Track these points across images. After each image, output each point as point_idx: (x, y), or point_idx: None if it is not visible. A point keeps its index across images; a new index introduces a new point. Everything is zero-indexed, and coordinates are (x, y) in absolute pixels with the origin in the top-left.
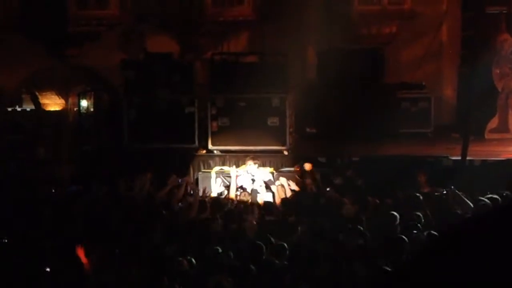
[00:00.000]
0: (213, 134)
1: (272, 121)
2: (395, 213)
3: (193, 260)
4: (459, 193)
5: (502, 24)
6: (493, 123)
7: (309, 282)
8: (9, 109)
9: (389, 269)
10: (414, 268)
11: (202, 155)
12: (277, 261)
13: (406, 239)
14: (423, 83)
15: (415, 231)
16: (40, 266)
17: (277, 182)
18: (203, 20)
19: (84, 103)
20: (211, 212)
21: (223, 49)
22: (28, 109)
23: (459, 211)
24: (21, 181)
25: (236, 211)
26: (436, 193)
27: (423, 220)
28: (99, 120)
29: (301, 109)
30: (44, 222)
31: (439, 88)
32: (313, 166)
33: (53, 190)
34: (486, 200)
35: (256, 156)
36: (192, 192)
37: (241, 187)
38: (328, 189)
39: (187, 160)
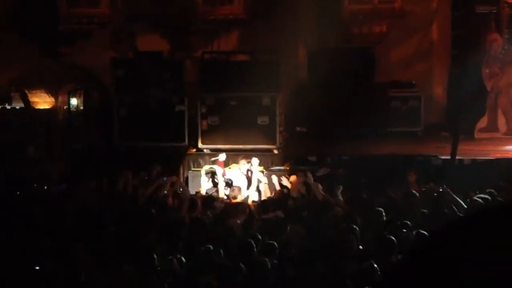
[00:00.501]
0: (203, 132)
1: (263, 120)
2: (380, 209)
3: (183, 258)
4: (451, 192)
5: (492, 23)
6: (483, 122)
7: (300, 281)
8: None
9: (379, 269)
10: (403, 267)
11: (192, 154)
12: (267, 260)
13: (394, 239)
14: (413, 82)
15: (404, 230)
16: (31, 264)
17: (264, 180)
18: (194, 19)
19: (74, 101)
20: (201, 210)
21: (213, 48)
22: (17, 107)
23: (450, 211)
24: (11, 180)
25: (225, 209)
26: (426, 192)
27: (413, 219)
28: (89, 118)
29: (291, 108)
30: (34, 221)
31: (429, 87)
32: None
33: (45, 188)
34: (478, 198)
35: (248, 155)
36: (182, 190)
37: (227, 183)
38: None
39: (177, 159)
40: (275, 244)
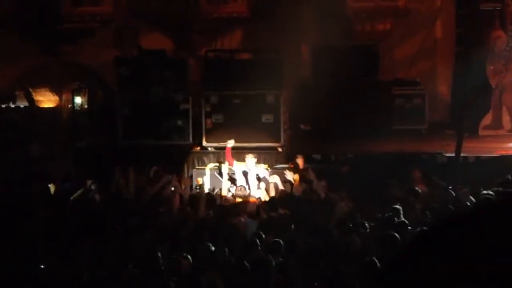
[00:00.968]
0: (207, 131)
1: (267, 118)
2: (398, 206)
3: (189, 257)
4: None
5: (496, 20)
6: (487, 119)
7: (304, 279)
8: (3, 106)
9: (380, 266)
10: (401, 264)
11: (196, 152)
12: (272, 258)
13: (397, 236)
14: (417, 80)
15: (409, 228)
16: (34, 263)
17: (271, 179)
18: (197, 17)
19: (78, 100)
20: (205, 208)
21: (217, 46)
22: (21, 106)
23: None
24: (15, 178)
25: (228, 208)
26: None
27: (416, 217)
28: (93, 117)
29: (295, 106)
30: (38, 219)
31: (433, 84)
32: (305, 160)
33: (48, 187)
34: (488, 194)
35: (252, 153)
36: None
37: (232, 179)
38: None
39: (181, 157)
40: (280, 242)
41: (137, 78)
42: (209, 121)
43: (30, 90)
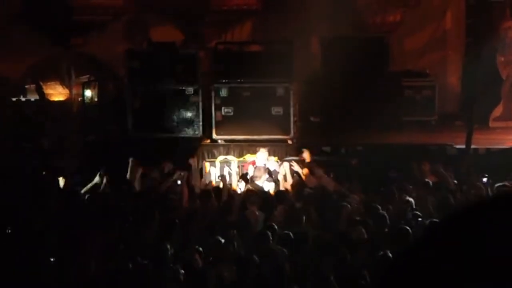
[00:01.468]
0: (217, 123)
1: (277, 110)
2: (410, 199)
3: (201, 249)
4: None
5: (506, 11)
6: (497, 111)
7: (314, 273)
8: (13, 99)
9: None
10: (413, 255)
11: (206, 145)
12: (284, 250)
13: (409, 229)
14: (427, 71)
15: (419, 219)
16: (45, 256)
17: (281, 171)
18: (207, 9)
19: (88, 93)
20: (214, 201)
21: (227, 38)
22: (32, 99)
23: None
24: (26, 172)
25: (239, 200)
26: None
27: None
28: (103, 110)
29: (305, 98)
30: (49, 213)
31: (443, 76)
32: (314, 153)
33: (59, 180)
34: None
35: (262, 146)
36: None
37: (244, 176)
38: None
39: (191, 150)
40: (291, 234)
41: (147, 70)
42: (219, 113)
43: (41, 83)
